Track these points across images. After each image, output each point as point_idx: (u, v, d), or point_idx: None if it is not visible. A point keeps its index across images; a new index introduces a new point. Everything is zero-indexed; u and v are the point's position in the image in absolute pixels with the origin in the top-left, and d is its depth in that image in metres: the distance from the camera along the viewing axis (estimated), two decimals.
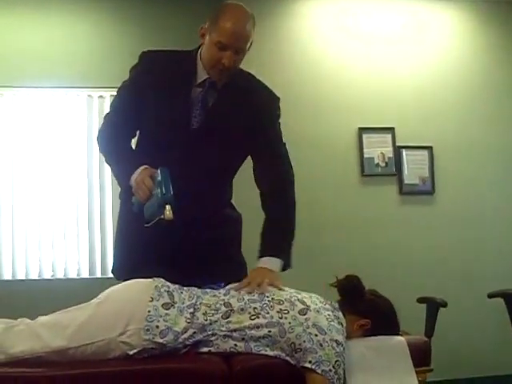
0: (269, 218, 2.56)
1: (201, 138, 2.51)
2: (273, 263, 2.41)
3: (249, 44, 2.46)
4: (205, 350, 2.05)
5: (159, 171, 2.31)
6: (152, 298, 2.06)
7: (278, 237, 2.51)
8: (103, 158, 4.78)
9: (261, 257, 2.44)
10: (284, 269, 2.45)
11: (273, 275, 2.33)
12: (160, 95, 2.52)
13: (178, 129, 2.51)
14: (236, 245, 2.72)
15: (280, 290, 2.18)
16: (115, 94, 2.71)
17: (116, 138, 2.61)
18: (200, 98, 2.52)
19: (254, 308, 2.07)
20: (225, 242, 2.61)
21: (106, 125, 2.66)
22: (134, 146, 2.70)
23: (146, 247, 2.51)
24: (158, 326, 2.00)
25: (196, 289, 2.21)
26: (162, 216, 2.25)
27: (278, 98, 2.67)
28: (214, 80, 2.51)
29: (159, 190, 2.27)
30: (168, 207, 2.24)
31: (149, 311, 2.02)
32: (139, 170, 2.40)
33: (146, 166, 2.41)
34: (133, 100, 2.57)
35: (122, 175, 2.53)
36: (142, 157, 2.50)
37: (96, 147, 4.75)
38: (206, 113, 2.52)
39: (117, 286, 2.19)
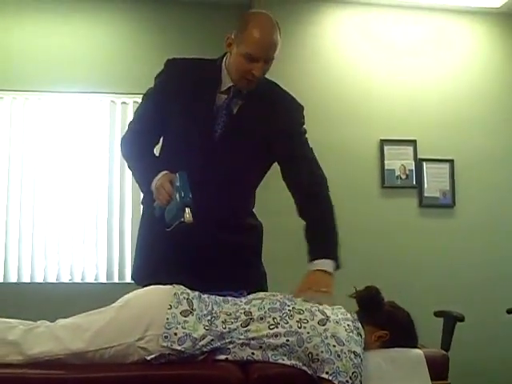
0: (312, 220, 2.56)
1: (223, 145, 2.53)
2: (326, 265, 2.44)
3: (277, 51, 2.46)
4: (222, 357, 2.04)
5: (178, 175, 2.34)
6: (171, 306, 2.06)
7: (326, 238, 2.53)
8: (124, 164, 4.83)
9: (314, 259, 2.45)
10: (336, 269, 2.48)
11: (329, 278, 2.40)
12: (185, 101, 2.54)
13: (202, 135, 2.53)
14: (256, 253, 2.72)
15: (305, 300, 2.17)
16: (138, 100, 2.74)
17: (138, 146, 2.63)
18: (225, 106, 2.54)
19: (274, 317, 2.06)
20: (245, 249, 2.61)
21: (130, 132, 2.68)
22: (157, 154, 2.71)
23: (166, 253, 2.52)
24: (176, 334, 2.00)
25: (217, 297, 2.21)
26: (182, 219, 2.27)
27: (302, 107, 2.68)
28: (240, 88, 2.53)
29: (178, 194, 2.30)
30: (188, 210, 2.26)
31: (167, 318, 2.02)
32: (159, 176, 2.42)
33: (166, 172, 2.43)
34: (158, 107, 2.59)
35: (143, 180, 2.55)
36: (165, 163, 2.51)
37: (117, 153, 4.83)
38: (229, 119, 2.53)
39: (137, 291, 2.20)
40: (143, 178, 2.55)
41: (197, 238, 2.43)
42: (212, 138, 2.53)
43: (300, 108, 2.68)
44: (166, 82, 2.59)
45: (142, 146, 2.63)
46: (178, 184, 2.32)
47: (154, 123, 2.60)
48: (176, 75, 2.58)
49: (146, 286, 2.28)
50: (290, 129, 2.62)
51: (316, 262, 2.44)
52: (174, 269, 2.43)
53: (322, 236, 2.53)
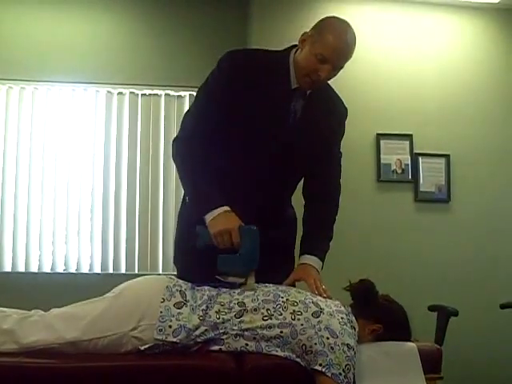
0: (319, 219, 2.67)
1: (292, 142, 2.52)
2: (317, 264, 2.54)
3: (346, 62, 2.45)
4: (216, 348, 2.05)
5: (251, 231, 2.26)
6: (163, 299, 2.07)
7: (323, 240, 2.65)
8: (120, 154, 4.84)
9: (309, 254, 2.55)
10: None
11: (319, 277, 2.45)
12: (260, 95, 2.44)
13: (278, 128, 2.48)
14: (293, 245, 2.76)
15: (299, 292, 2.18)
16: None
17: (199, 152, 2.45)
18: (293, 104, 2.51)
19: (268, 309, 2.07)
20: (286, 241, 2.68)
21: (188, 132, 2.51)
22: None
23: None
24: (170, 326, 2.01)
25: (211, 288, 2.21)
26: (243, 281, 2.22)
27: (347, 109, 2.74)
28: (301, 87, 2.49)
29: (249, 254, 2.25)
30: (253, 274, 2.23)
31: (161, 312, 2.03)
32: (222, 211, 2.32)
33: (228, 209, 2.33)
34: (225, 106, 2.45)
35: (199, 199, 2.42)
36: (231, 158, 2.49)
37: (113, 143, 4.86)
38: (295, 118, 2.52)
39: (131, 281, 2.20)
40: (201, 198, 2.41)
41: None
42: (286, 131, 2.50)
43: (347, 110, 2.74)
44: (231, 78, 2.45)
45: (203, 155, 2.45)
46: (250, 242, 2.25)
47: (220, 123, 2.46)
48: (243, 71, 2.46)
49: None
50: (342, 131, 2.74)
51: (313, 258, 2.54)
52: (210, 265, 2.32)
53: (321, 236, 2.64)
